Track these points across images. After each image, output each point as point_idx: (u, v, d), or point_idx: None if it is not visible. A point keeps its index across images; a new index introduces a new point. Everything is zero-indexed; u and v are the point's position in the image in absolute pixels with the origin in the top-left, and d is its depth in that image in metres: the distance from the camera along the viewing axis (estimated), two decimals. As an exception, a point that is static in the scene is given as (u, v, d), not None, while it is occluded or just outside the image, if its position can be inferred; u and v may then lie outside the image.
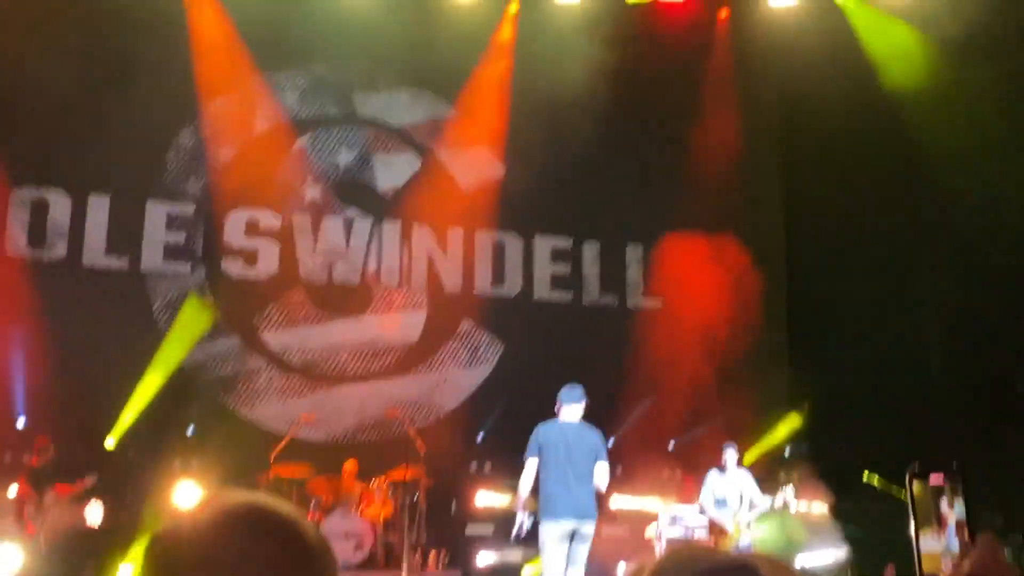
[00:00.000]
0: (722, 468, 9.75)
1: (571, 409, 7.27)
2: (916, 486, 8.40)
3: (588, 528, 7.06)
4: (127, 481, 11.22)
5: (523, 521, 7.21)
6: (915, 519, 8.66)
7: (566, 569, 6.98)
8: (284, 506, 0.96)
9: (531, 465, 7.11)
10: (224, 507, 0.94)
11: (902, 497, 9.63)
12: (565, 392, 7.34)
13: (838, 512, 11.11)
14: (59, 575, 9.28)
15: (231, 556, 0.89)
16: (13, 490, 10.06)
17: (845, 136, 12.60)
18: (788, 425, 12.84)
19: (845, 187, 12.82)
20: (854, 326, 12.70)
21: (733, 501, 9.63)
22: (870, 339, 12.36)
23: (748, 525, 9.59)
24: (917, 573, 8.28)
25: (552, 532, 6.98)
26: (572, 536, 7.00)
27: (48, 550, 9.57)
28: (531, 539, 7.46)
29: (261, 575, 0.89)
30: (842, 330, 12.88)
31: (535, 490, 7.16)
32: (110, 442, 11.47)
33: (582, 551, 7.06)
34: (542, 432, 7.18)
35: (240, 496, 0.97)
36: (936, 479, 10.09)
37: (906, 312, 12.57)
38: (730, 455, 9.75)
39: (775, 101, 14.38)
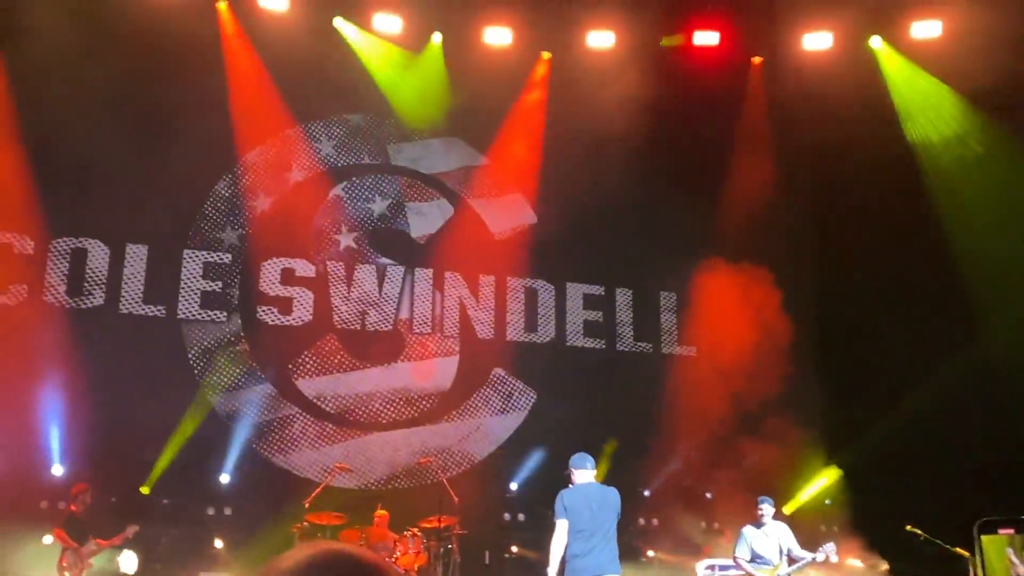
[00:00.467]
0: (758, 522, 9.49)
1: (585, 474, 7.41)
2: (985, 541, 8.22)
3: None
4: (161, 529, 11.25)
5: None
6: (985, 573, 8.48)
7: None
8: (370, 553, 1.01)
9: (562, 527, 7.18)
10: (313, 554, 0.99)
11: (953, 551, 9.43)
12: (577, 460, 7.46)
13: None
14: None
15: None
16: (49, 539, 10.09)
17: (876, 182, 12.57)
18: (826, 477, 12.64)
19: (878, 232, 12.75)
20: (889, 377, 12.53)
21: (772, 555, 9.35)
22: (906, 390, 12.18)
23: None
24: None
25: None
26: None
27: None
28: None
29: None
30: (877, 381, 12.70)
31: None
32: (145, 489, 11.50)
33: None
34: (567, 496, 7.28)
35: (327, 545, 1.03)
36: (1006, 531, 9.85)
37: (943, 362, 12.38)
38: (766, 509, 9.49)
39: (808, 144, 14.33)
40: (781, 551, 9.31)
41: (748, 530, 9.39)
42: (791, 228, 14.36)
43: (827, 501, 12.76)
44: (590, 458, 7.54)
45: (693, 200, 13.57)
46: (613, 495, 7.37)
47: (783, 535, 9.38)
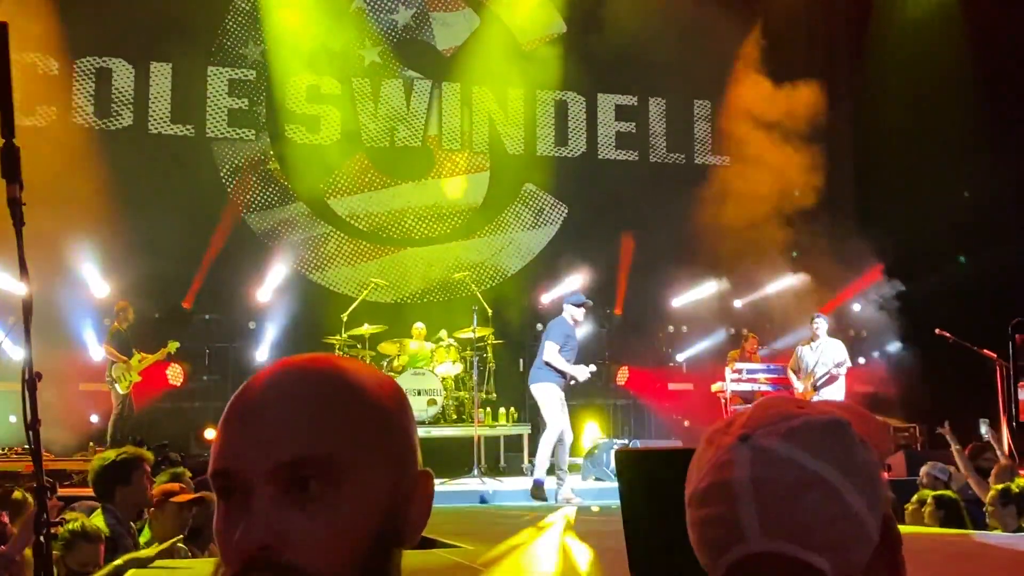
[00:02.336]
0: (812, 338, 9.93)
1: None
2: (1019, 339, 8.28)
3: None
4: (204, 343, 11.63)
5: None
6: (1014, 369, 8.56)
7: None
8: (329, 363, 0.95)
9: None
10: (288, 362, 0.94)
11: (981, 353, 9.52)
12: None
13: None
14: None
15: (289, 398, 0.89)
16: (99, 353, 10.51)
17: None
18: (865, 281, 12.66)
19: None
20: (927, 182, 12.31)
21: (817, 369, 9.87)
22: (945, 195, 11.99)
23: (815, 387, 9.74)
24: (1015, 419, 8.27)
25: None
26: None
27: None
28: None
29: (320, 412, 0.88)
30: (915, 187, 12.49)
31: None
32: (186, 304, 11.81)
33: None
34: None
35: (307, 356, 0.96)
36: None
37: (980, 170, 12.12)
38: (820, 324, 9.91)
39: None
40: (822, 364, 9.75)
41: (800, 347, 10.17)
42: (831, 38, 13.85)
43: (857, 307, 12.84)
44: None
45: (729, 4, 13.04)
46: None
47: (828, 351, 9.75)
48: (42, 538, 2.38)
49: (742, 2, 13.27)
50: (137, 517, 4.63)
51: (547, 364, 8.50)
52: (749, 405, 1.20)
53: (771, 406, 0.97)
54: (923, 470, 6.53)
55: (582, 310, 8.73)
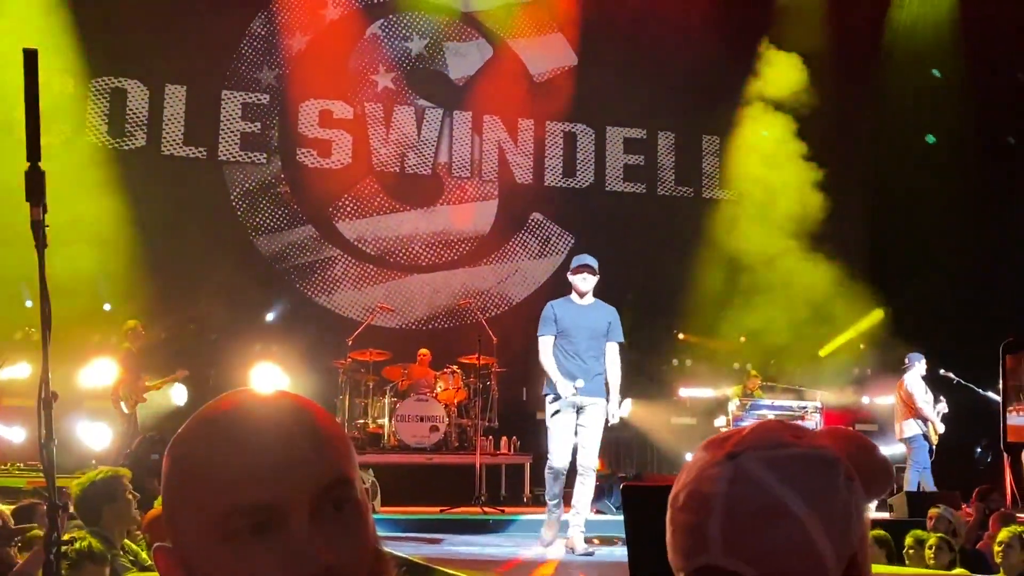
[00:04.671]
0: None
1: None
2: (1009, 360, 8.29)
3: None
4: (210, 364, 11.65)
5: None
6: (1004, 391, 8.57)
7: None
8: (294, 395, 0.97)
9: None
10: (232, 400, 0.94)
11: (985, 395, 9.53)
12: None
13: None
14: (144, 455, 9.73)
15: (240, 441, 0.88)
16: (112, 373, 10.44)
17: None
18: (870, 320, 12.68)
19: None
20: (935, 223, 12.39)
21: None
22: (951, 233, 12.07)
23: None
24: (1002, 442, 8.30)
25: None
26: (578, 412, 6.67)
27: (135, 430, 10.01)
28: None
29: (273, 457, 0.88)
30: (922, 224, 12.56)
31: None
32: (192, 326, 11.84)
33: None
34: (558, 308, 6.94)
35: (249, 391, 0.97)
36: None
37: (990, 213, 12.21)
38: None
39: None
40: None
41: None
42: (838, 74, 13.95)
43: (861, 345, 12.86)
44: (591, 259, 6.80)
45: (737, 39, 13.15)
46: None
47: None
48: (52, 556, 2.40)
49: (751, 39, 13.35)
50: (125, 536, 4.62)
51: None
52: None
53: (768, 430, 1.01)
54: (932, 513, 6.48)
55: (581, 275, 6.68)
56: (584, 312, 6.74)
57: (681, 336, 13.06)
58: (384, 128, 13.29)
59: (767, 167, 12.80)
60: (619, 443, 12.49)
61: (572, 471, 6.76)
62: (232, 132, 12.78)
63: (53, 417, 2.39)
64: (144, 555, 4.46)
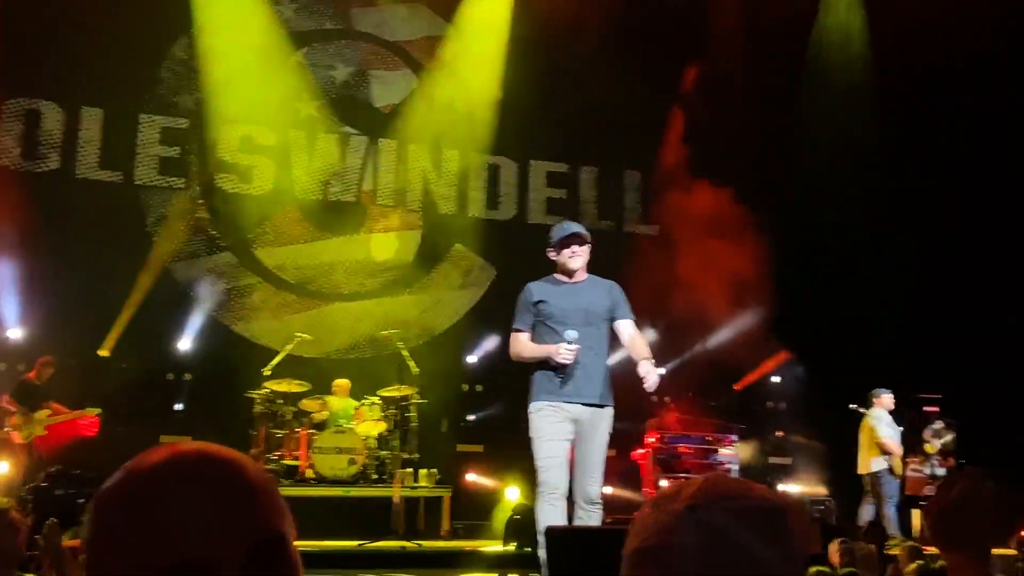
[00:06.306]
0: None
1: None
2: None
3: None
4: (121, 393, 11.34)
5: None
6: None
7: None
8: (225, 449, 0.97)
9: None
10: (162, 455, 0.94)
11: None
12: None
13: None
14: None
15: (171, 498, 0.88)
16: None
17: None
18: (777, 358, 12.98)
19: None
20: (839, 260, 12.83)
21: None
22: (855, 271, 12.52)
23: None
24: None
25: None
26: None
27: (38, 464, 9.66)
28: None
29: (204, 513, 0.87)
30: (826, 263, 12.98)
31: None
32: (103, 352, 11.53)
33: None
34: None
35: (179, 446, 0.97)
36: (929, 409, 10.34)
37: (890, 244, 12.70)
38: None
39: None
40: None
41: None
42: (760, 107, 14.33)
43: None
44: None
45: (660, 76, 13.43)
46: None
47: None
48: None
49: (672, 77, 13.65)
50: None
51: (534, 372, 5.22)
52: (678, 473, 1.27)
53: (720, 483, 1.05)
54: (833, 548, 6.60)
55: (568, 250, 5.23)
56: (576, 291, 5.22)
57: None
58: (307, 155, 13.20)
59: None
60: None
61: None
62: (150, 156, 12.54)
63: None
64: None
